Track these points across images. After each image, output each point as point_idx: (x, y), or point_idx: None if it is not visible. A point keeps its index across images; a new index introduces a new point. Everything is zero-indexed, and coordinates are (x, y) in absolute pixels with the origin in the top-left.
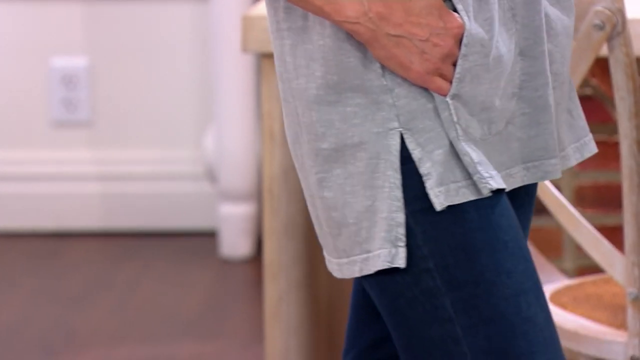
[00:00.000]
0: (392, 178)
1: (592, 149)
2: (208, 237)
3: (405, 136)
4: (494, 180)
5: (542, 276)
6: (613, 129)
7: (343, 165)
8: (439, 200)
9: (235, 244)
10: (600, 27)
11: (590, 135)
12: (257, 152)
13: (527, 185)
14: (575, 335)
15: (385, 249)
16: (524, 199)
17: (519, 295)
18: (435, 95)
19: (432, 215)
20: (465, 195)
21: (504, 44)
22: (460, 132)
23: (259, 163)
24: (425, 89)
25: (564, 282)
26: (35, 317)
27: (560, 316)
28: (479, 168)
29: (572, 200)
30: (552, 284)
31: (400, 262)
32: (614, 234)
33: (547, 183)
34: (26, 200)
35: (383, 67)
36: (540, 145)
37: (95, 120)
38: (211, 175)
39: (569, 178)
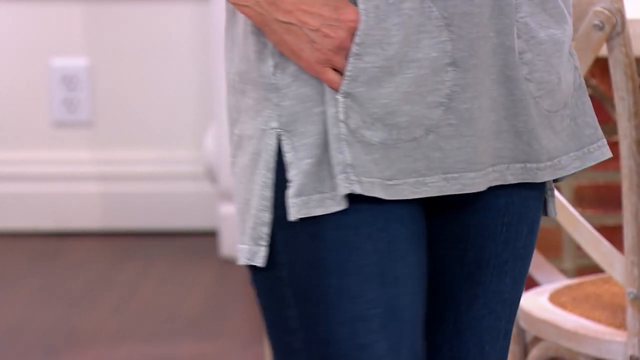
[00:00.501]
0: (265, 177)
1: (597, 157)
2: (208, 237)
3: (282, 138)
4: (361, 186)
5: (541, 276)
6: (612, 129)
7: (241, 155)
8: (293, 211)
9: (235, 243)
10: (600, 28)
11: (601, 142)
12: None
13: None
14: (574, 335)
15: (247, 245)
16: (484, 213)
17: (357, 321)
18: (328, 91)
19: (293, 225)
20: (328, 207)
21: (419, 50)
22: (344, 131)
23: None
24: (317, 94)
25: (563, 282)
26: (35, 317)
27: (560, 316)
28: (349, 170)
29: (571, 200)
30: (551, 284)
31: (259, 262)
32: (613, 234)
33: None
34: (27, 200)
35: (276, 64)
36: (462, 158)
37: (96, 120)
38: (211, 175)
39: (569, 178)
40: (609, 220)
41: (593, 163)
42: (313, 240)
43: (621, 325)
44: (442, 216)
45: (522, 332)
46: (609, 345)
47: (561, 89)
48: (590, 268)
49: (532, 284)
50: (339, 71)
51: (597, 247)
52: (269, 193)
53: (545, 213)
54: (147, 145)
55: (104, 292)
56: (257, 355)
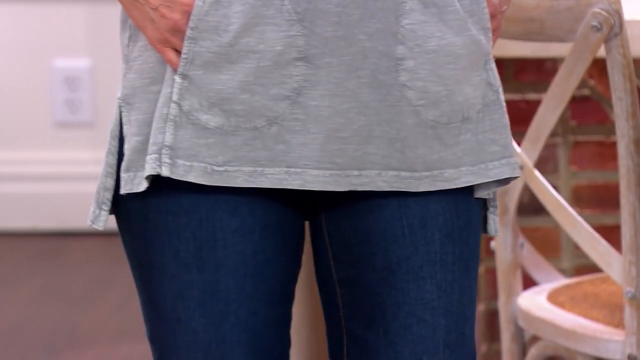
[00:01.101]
0: (110, 144)
1: (495, 175)
2: None
3: (122, 109)
4: (171, 168)
5: (540, 275)
6: (610, 129)
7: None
8: (122, 184)
9: None
10: (598, 29)
11: (505, 161)
12: None
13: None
14: (573, 334)
15: (92, 208)
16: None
17: (176, 299)
18: (169, 70)
19: (130, 198)
20: (143, 185)
21: (262, 41)
22: (175, 112)
23: None
24: (156, 73)
25: (561, 281)
26: (36, 316)
27: (558, 315)
28: (164, 151)
29: (569, 200)
30: (550, 283)
31: (99, 225)
32: (611, 234)
33: (545, 183)
34: (28, 200)
35: (130, 37)
36: (307, 154)
37: (98, 121)
38: None
39: (567, 178)
40: (607, 220)
41: (489, 180)
42: (141, 217)
43: (619, 324)
44: (340, 221)
45: (520, 331)
46: (607, 344)
47: (454, 101)
48: (588, 267)
49: (531, 283)
50: (179, 50)
51: (595, 246)
52: (112, 160)
53: (485, 230)
54: None
55: (105, 291)
56: None
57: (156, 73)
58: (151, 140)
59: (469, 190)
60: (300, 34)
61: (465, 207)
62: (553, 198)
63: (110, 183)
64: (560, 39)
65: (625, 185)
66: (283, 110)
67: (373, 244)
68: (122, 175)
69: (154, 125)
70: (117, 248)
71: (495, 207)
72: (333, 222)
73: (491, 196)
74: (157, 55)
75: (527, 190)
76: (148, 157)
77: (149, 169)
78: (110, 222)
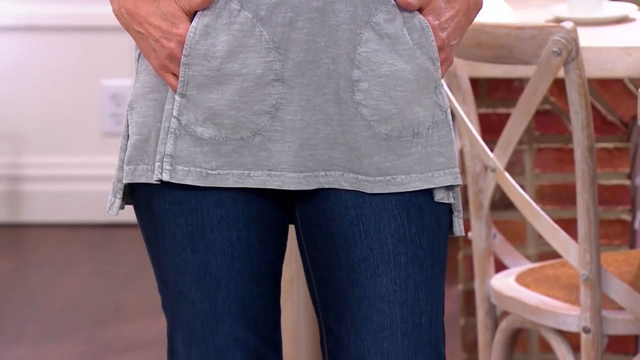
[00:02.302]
0: (121, 143)
1: (441, 182)
2: None
3: (128, 113)
4: (171, 174)
5: (509, 261)
6: (568, 138)
7: None
8: (124, 175)
9: None
10: (558, 54)
11: (449, 171)
12: None
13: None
14: (537, 309)
15: (110, 196)
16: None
17: (176, 274)
18: (170, 89)
19: (138, 188)
20: (147, 178)
21: (245, 66)
22: (174, 125)
23: None
24: (154, 84)
25: (527, 265)
26: (89, 294)
27: (524, 294)
28: (165, 159)
29: (534, 198)
30: (517, 267)
31: (114, 210)
32: (569, 226)
33: (514, 183)
34: (82, 197)
35: (139, 54)
36: (284, 159)
37: None
38: None
39: (532, 179)
40: (566, 214)
41: (434, 186)
42: (147, 204)
43: (575, 302)
44: (312, 228)
45: (493, 307)
46: (566, 318)
47: (404, 118)
48: (549, 254)
49: (502, 267)
50: (177, 75)
51: (555, 236)
52: (123, 156)
53: (452, 232)
54: None
55: (145, 273)
56: None
57: (154, 84)
58: (158, 149)
59: (425, 199)
60: (276, 59)
61: (419, 215)
62: (520, 196)
63: (122, 175)
64: (526, 62)
65: (581, 185)
66: (264, 123)
67: (337, 247)
68: (124, 168)
69: (160, 136)
70: None
71: (460, 211)
72: (306, 229)
73: (454, 201)
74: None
75: (498, 189)
76: (155, 165)
77: (155, 175)
78: None
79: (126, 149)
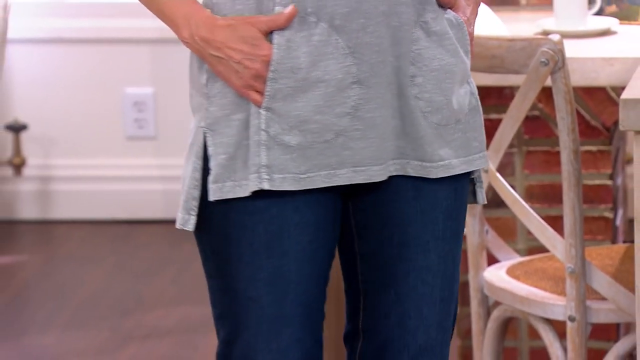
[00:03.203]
0: (195, 163)
1: (478, 165)
2: None
3: (206, 135)
4: (270, 183)
5: (500, 255)
6: (555, 141)
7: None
8: (211, 193)
9: None
10: (545, 64)
11: (482, 154)
12: None
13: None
14: (526, 300)
15: (182, 214)
16: (407, 192)
17: (248, 281)
18: (252, 106)
19: (212, 205)
20: (237, 193)
21: (327, 73)
22: (264, 138)
23: None
24: (234, 103)
25: (517, 259)
26: (112, 286)
27: (515, 285)
28: (262, 170)
29: (523, 196)
30: (508, 260)
31: (190, 227)
32: (556, 222)
33: (504, 183)
34: (106, 196)
35: (207, 78)
36: (368, 155)
37: (159, 135)
38: None
39: (521, 179)
40: (553, 212)
41: (475, 168)
42: (223, 217)
43: (562, 293)
44: (366, 210)
45: (485, 297)
46: (552, 308)
47: (450, 108)
48: (538, 248)
49: (493, 260)
50: (260, 92)
51: (543, 232)
52: (198, 175)
53: (475, 200)
54: None
55: (164, 266)
56: None
57: (235, 105)
58: (250, 162)
59: (464, 178)
60: (353, 63)
61: (461, 192)
62: (511, 195)
63: (197, 194)
64: (516, 72)
65: (567, 185)
66: (346, 124)
67: (393, 226)
68: (211, 186)
69: (251, 149)
70: (174, 233)
71: (482, 182)
72: (359, 211)
73: (478, 175)
74: (233, 92)
75: (490, 189)
76: (250, 176)
77: (253, 186)
78: (169, 213)
79: (202, 169)
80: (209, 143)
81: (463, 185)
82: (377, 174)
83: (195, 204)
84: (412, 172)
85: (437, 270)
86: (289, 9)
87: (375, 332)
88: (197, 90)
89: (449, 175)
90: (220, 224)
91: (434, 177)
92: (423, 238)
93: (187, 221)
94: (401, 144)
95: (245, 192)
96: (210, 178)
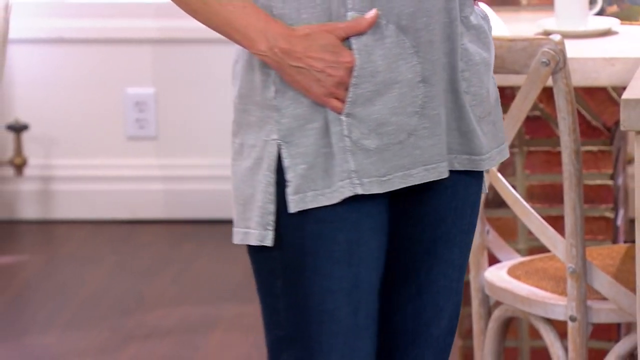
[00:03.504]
0: (269, 177)
1: (504, 155)
2: None
3: (281, 147)
4: (362, 187)
5: (501, 255)
6: (556, 142)
7: (241, 159)
8: (291, 205)
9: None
10: (546, 64)
11: (505, 144)
12: None
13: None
14: (527, 299)
15: (258, 230)
16: (444, 190)
17: (325, 293)
18: (330, 113)
19: (287, 217)
20: (319, 202)
21: (400, 74)
22: (349, 144)
23: None
24: (309, 112)
25: (518, 259)
26: (113, 285)
27: (516, 285)
28: (353, 175)
29: (524, 197)
30: (509, 260)
31: (269, 242)
32: (557, 222)
33: (505, 183)
34: (107, 196)
35: (276, 90)
36: (436, 152)
37: (160, 135)
38: None
39: (522, 179)
40: (553, 212)
41: (503, 159)
42: (297, 229)
43: (562, 293)
44: (403, 207)
45: (486, 297)
46: (553, 308)
47: (489, 100)
48: (539, 248)
49: (494, 260)
50: (340, 98)
51: (544, 232)
52: (272, 189)
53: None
54: (199, 154)
55: (166, 266)
56: None
57: (309, 115)
58: (338, 169)
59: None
60: (418, 62)
61: (482, 184)
62: (512, 195)
63: (273, 208)
64: (517, 72)
65: (568, 185)
66: (415, 123)
67: (425, 224)
68: (291, 197)
69: (337, 156)
70: (174, 233)
71: (487, 172)
72: (400, 212)
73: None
74: (307, 101)
75: (492, 189)
76: (340, 183)
77: (347, 192)
78: (170, 213)
79: (276, 184)
80: (284, 155)
81: (483, 176)
82: (445, 171)
83: (272, 218)
84: (459, 167)
85: (457, 264)
86: (371, 14)
87: (388, 322)
88: (259, 104)
89: (490, 167)
90: (295, 236)
91: (482, 169)
92: (451, 233)
93: (265, 237)
94: (450, 139)
95: (333, 200)
96: (290, 190)
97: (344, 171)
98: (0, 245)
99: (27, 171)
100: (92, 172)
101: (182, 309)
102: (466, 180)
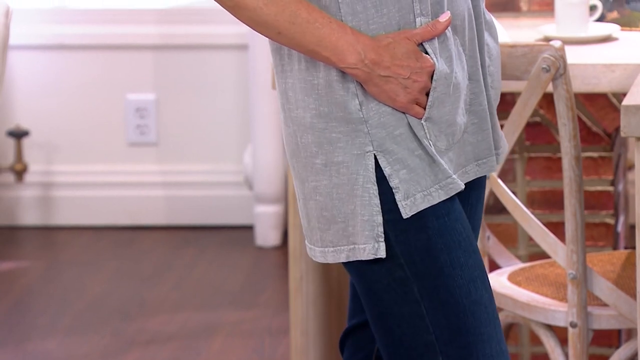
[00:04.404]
0: (371, 190)
1: (507, 149)
2: (246, 230)
3: (378, 157)
4: (457, 184)
5: (501, 261)
6: (556, 148)
7: (329, 178)
8: (405, 210)
9: (267, 235)
10: (547, 70)
11: (504, 141)
12: (284, 165)
13: (473, 180)
14: (527, 306)
15: (369, 244)
16: (470, 191)
17: (469, 284)
18: (410, 119)
19: (402, 223)
20: (429, 201)
21: (459, 74)
22: (434, 148)
23: (285, 174)
24: (393, 120)
25: (519, 265)
26: (114, 291)
27: (516, 291)
28: (453, 176)
29: (524, 202)
30: (510, 266)
31: (382, 254)
32: (557, 229)
33: (506, 189)
34: (109, 202)
35: (361, 102)
36: (485, 147)
37: (161, 141)
38: (249, 183)
39: (523, 185)
40: (554, 218)
41: (506, 152)
42: (421, 230)
43: (563, 299)
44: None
45: None
46: (554, 314)
47: (499, 94)
48: (539, 254)
49: (495, 266)
50: (421, 104)
51: (544, 238)
52: (377, 200)
53: None
54: (200, 160)
55: (167, 272)
56: (284, 321)
57: (392, 122)
58: (436, 168)
59: None
60: (466, 61)
61: (485, 178)
62: (512, 201)
63: (380, 219)
64: (518, 78)
65: (568, 191)
66: (465, 120)
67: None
68: (403, 203)
69: (434, 158)
70: (175, 239)
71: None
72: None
73: None
74: (388, 109)
75: (492, 195)
76: (447, 180)
77: (458, 187)
78: (171, 219)
79: (379, 195)
80: (383, 164)
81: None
82: (494, 165)
83: (381, 229)
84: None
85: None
86: (445, 17)
87: None
88: (342, 120)
89: (502, 161)
90: (417, 236)
91: (499, 163)
92: (473, 227)
93: (378, 249)
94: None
95: (443, 197)
96: (399, 196)
97: (444, 170)
98: (1, 251)
99: (28, 177)
100: (92, 178)
101: (184, 315)
102: (480, 179)
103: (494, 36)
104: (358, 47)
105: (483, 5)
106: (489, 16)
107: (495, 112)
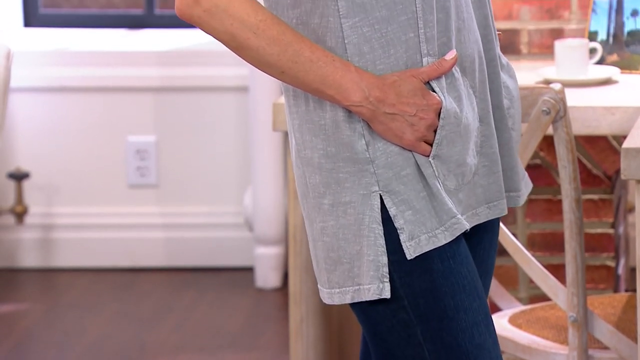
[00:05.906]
0: (377, 230)
1: (530, 183)
2: (246, 272)
3: (384, 197)
4: (462, 224)
5: (502, 303)
6: (557, 190)
7: (336, 218)
8: (409, 251)
9: (267, 277)
10: (547, 112)
11: (525, 173)
12: (284, 207)
13: (486, 223)
14: (528, 348)
15: (374, 284)
16: (483, 234)
17: (472, 327)
18: (418, 157)
19: (407, 264)
20: (434, 243)
21: (470, 115)
22: (440, 185)
23: (285, 216)
24: (400, 160)
25: (519, 307)
26: (114, 334)
27: (517, 334)
28: (458, 216)
29: (525, 245)
30: (510, 309)
31: (387, 294)
32: (558, 271)
33: (506, 231)
34: (109, 244)
35: (367, 142)
36: (496, 189)
37: (162, 183)
38: (249, 225)
39: (523, 228)
40: (554, 261)
41: (530, 190)
42: (425, 272)
43: (564, 342)
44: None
45: None
46: (555, 357)
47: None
48: (540, 297)
49: (496, 309)
50: (429, 141)
51: (545, 281)
52: (382, 241)
53: None
54: (200, 202)
55: (167, 314)
56: None
57: (399, 162)
58: (442, 208)
59: None
60: (476, 103)
61: (499, 221)
62: (513, 243)
63: (386, 260)
64: None
65: (569, 234)
66: (476, 162)
67: (475, 258)
68: (408, 244)
69: (438, 198)
70: (175, 281)
71: None
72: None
73: None
74: (396, 149)
75: None
76: (452, 220)
77: (460, 227)
78: (172, 261)
79: (384, 235)
80: (388, 205)
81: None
82: (504, 208)
83: (386, 269)
84: (506, 205)
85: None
86: (452, 55)
87: None
88: (349, 160)
89: (523, 202)
90: (422, 278)
91: (519, 205)
92: (484, 282)
93: (382, 290)
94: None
95: (448, 238)
96: (404, 237)
97: (451, 210)
98: (1, 293)
99: (28, 219)
100: (93, 220)
101: (184, 357)
102: (493, 221)
103: (513, 78)
104: (362, 85)
105: (498, 49)
106: (505, 60)
107: (516, 154)
